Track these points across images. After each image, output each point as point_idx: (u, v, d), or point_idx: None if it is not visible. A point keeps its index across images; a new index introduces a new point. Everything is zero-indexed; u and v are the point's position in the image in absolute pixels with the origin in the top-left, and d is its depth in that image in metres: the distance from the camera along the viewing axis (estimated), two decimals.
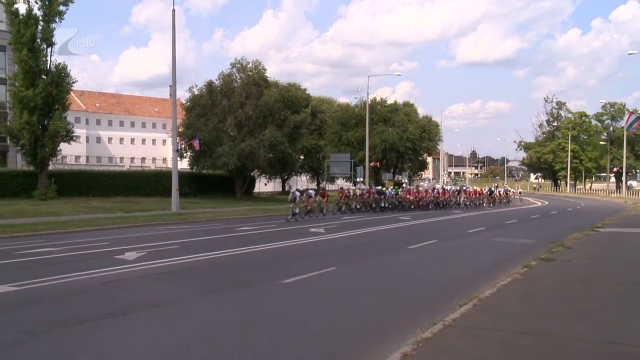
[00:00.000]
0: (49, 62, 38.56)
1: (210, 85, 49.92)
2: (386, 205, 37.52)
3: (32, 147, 37.97)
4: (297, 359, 6.60)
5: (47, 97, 37.54)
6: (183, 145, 44.17)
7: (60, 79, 38.58)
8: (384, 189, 41.23)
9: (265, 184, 60.88)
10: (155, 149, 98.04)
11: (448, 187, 54.59)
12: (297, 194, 28.44)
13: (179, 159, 36.61)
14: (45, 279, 10.88)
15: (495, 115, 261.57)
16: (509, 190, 58.70)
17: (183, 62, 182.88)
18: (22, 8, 37.55)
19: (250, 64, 50.59)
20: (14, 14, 37.46)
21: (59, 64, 38.76)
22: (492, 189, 54.98)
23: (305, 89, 61.07)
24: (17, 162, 48.63)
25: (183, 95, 58.22)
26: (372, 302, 9.78)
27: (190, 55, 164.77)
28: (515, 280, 10.93)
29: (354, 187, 40.97)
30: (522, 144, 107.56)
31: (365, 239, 20.47)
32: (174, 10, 32.80)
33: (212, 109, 48.63)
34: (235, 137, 47.82)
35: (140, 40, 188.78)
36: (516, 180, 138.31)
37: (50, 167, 41.06)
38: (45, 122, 37.94)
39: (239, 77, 50.26)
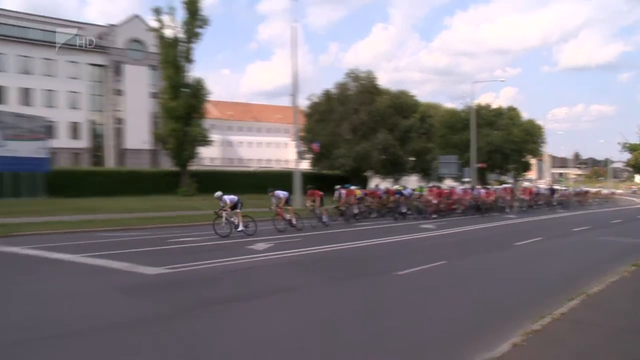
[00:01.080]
0: (189, 77, 41.02)
1: (327, 93, 51.11)
2: (406, 210, 26.62)
3: (177, 151, 40.58)
4: (412, 344, 6.62)
5: (188, 108, 40.01)
6: (304, 148, 45.19)
7: (198, 91, 41.03)
8: (400, 188, 29.09)
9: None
10: (279, 151, 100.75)
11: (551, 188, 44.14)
12: (228, 198, 17.63)
13: (300, 160, 37.51)
14: (192, 263, 11.60)
15: (598, 118, 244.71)
16: (558, 190, 44.91)
17: (302, 73, 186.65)
18: (168, 32, 40.28)
19: (363, 74, 51.09)
20: (161, 38, 40.23)
21: (198, 78, 41.18)
22: (554, 188, 44.01)
23: (413, 96, 60.40)
24: (164, 163, 52.08)
25: (303, 102, 59.45)
26: (481, 294, 9.58)
27: (309, 67, 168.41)
28: (624, 279, 10.25)
29: (353, 187, 26.18)
30: (627, 145, 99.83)
31: (471, 235, 19.94)
32: (293, 27, 33.84)
33: (329, 115, 49.61)
34: (351, 141, 48.46)
35: (265, 54, 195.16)
36: (620, 181, 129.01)
37: (191, 168, 43.51)
38: (187, 129, 40.34)
39: (353, 86, 50.92)
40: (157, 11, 39.90)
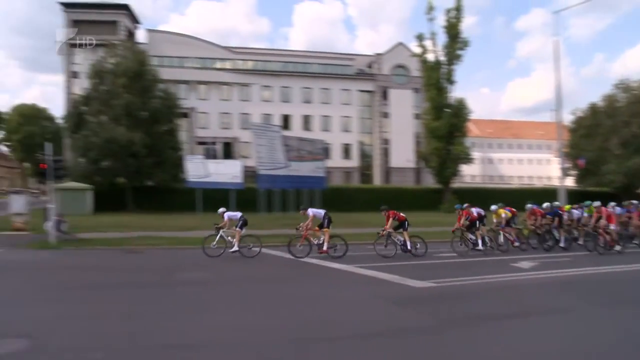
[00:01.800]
0: (451, 97, 41.44)
1: (593, 107, 47.98)
2: (566, 239, 18.31)
3: (439, 169, 41.27)
4: None
5: (450, 127, 40.43)
6: (568, 165, 42.19)
7: (459, 111, 41.18)
8: (567, 207, 20.15)
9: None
10: (540, 168, 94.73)
11: None
12: (228, 215, 15.81)
13: (563, 177, 34.97)
14: (457, 278, 11.75)
15: None
16: None
17: (564, 86, 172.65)
18: (430, 56, 41.43)
19: (635, 83, 46.29)
20: (424, 62, 41.53)
21: (459, 98, 41.43)
22: None
23: None
24: (426, 181, 53.27)
25: (566, 117, 55.25)
26: None
27: (570, 80, 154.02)
28: None
29: (494, 206, 18.79)
30: None
31: None
32: (555, 42, 31.86)
33: (595, 129, 46.15)
34: (621, 156, 43.99)
35: (524, 71, 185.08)
36: None
37: (453, 185, 43.58)
38: (449, 148, 40.72)
39: (623, 97, 46.37)
40: (420, 37, 41.33)
